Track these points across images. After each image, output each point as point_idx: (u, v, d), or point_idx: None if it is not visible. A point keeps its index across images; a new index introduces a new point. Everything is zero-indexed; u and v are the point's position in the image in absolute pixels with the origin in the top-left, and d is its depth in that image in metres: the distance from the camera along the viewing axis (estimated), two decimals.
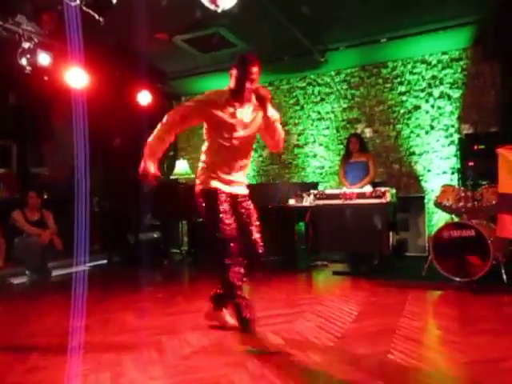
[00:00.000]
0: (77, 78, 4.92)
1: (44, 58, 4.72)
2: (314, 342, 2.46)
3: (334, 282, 4.34)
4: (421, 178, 5.89)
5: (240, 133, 2.61)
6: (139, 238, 6.17)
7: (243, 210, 2.69)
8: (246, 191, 2.76)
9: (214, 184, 2.61)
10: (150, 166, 2.53)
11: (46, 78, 5.03)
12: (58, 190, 5.89)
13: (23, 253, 4.90)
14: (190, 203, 5.48)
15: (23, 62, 4.65)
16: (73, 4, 3.24)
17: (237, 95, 2.60)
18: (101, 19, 3.62)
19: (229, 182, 2.64)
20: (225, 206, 2.57)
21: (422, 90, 5.92)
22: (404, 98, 6.04)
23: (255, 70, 2.57)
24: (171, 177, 6.93)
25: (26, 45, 4.58)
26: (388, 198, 4.32)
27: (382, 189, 4.39)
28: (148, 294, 3.93)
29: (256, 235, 2.70)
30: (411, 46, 5.60)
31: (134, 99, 6.26)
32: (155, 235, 6.56)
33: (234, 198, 2.66)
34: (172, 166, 7.04)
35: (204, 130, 2.71)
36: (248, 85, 2.56)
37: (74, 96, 4.25)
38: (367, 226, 4.32)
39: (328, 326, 2.74)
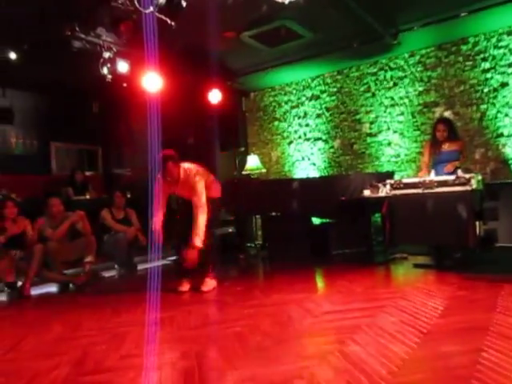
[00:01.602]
0: (152, 82, 5.18)
1: (123, 66, 5.04)
2: (398, 338, 2.36)
3: (415, 276, 4.13)
4: (511, 162, 5.38)
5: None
6: (215, 233, 6.35)
7: None
8: None
9: None
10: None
11: (124, 85, 5.36)
12: (139, 189, 6.26)
13: (112, 249, 5.29)
14: (262, 198, 5.58)
15: (104, 71, 5.00)
16: (147, 11, 3.40)
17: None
18: (172, 23, 3.76)
19: None
20: None
21: (510, 65, 5.38)
22: (488, 75, 5.54)
23: (168, 167, 3.71)
24: (243, 172, 7.05)
25: (106, 55, 4.92)
26: (473, 184, 3.99)
27: (467, 175, 4.06)
28: (226, 287, 4.04)
29: None
30: (496, 17, 5.08)
31: (205, 98, 6.46)
32: (230, 230, 6.73)
33: None
34: (243, 162, 7.16)
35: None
36: (167, 178, 3.77)
37: (149, 99, 4.48)
38: (450, 216, 4.03)
39: (412, 321, 2.61)
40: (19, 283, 4.39)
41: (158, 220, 3.81)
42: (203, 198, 3.78)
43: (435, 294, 3.23)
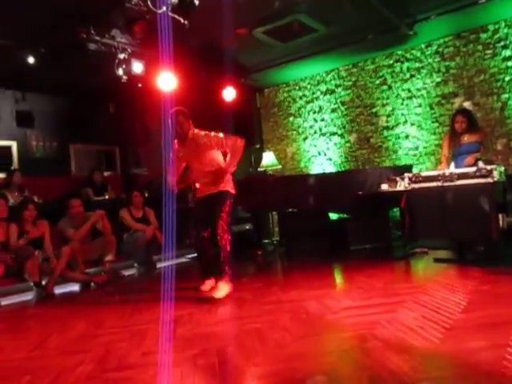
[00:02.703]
0: (167, 81, 5.21)
1: (137, 67, 5.07)
2: (420, 333, 2.32)
3: (436, 270, 4.06)
4: None
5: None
6: (232, 230, 6.36)
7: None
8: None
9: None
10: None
11: (139, 85, 5.41)
12: (156, 188, 6.32)
13: (131, 247, 5.36)
14: (279, 194, 5.57)
15: (120, 72, 5.04)
16: (159, 11, 3.41)
17: (178, 139, 3.80)
18: (185, 22, 3.77)
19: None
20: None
21: None
22: (510, 63, 5.38)
23: (179, 119, 3.68)
24: (259, 169, 7.04)
25: (121, 56, 4.97)
26: (495, 176, 3.88)
27: (488, 167, 3.96)
28: (245, 284, 4.05)
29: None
30: None
31: (220, 96, 6.46)
32: (247, 227, 6.74)
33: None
34: (259, 159, 7.15)
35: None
36: (179, 131, 3.72)
37: (164, 99, 4.51)
38: (472, 210, 3.93)
39: (434, 317, 2.56)
40: (43, 282, 4.48)
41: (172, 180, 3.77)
42: (231, 139, 3.87)
43: (457, 289, 3.17)
